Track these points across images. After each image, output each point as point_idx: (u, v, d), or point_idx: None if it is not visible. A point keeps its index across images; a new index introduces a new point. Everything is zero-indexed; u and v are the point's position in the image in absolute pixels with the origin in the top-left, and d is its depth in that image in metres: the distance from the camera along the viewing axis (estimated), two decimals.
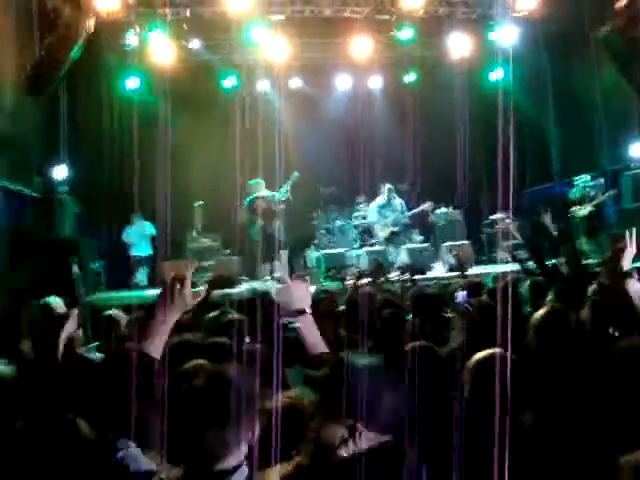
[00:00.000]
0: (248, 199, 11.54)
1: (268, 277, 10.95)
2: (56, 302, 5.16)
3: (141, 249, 12.29)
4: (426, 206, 12.37)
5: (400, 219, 12.05)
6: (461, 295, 4.66)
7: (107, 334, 5.08)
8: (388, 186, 12.09)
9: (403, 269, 9.89)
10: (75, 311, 3.45)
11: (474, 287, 5.35)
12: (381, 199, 12.12)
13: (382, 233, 12.04)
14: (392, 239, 11.92)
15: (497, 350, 2.55)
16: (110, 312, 5.48)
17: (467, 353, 2.66)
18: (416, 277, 8.46)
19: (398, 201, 12.18)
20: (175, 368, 2.99)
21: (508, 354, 2.47)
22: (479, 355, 2.56)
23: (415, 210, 12.34)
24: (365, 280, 7.49)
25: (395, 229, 11.99)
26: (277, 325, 3.09)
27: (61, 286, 8.60)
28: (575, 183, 11.41)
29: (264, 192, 11.53)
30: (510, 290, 4.61)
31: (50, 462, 1.92)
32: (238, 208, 12.10)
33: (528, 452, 2.20)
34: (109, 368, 3.00)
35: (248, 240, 11.51)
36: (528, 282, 5.04)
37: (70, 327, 3.19)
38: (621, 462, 1.69)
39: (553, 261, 6.25)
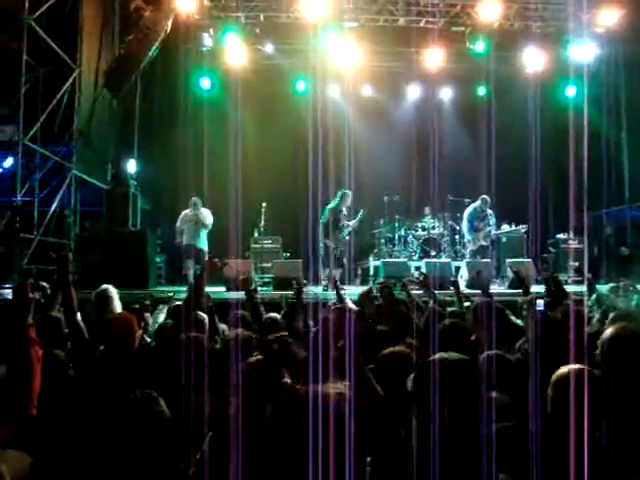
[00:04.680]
0: (332, 205, 11.21)
1: (325, 282, 10.92)
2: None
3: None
4: (521, 228, 12.12)
5: (492, 233, 11.75)
6: (541, 304, 4.64)
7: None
8: (483, 197, 11.70)
9: (465, 283, 9.80)
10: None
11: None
12: (471, 209, 11.79)
13: (471, 245, 11.74)
14: (480, 252, 11.60)
15: (578, 366, 2.55)
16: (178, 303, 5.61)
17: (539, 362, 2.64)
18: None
19: (490, 213, 11.78)
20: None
21: (586, 370, 2.47)
22: (561, 371, 2.56)
23: (509, 230, 12.08)
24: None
25: (485, 243, 11.67)
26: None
27: (127, 275, 8.88)
28: None
29: (347, 203, 11.16)
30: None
31: (132, 437, 1.95)
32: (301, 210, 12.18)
33: (606, 466, 2.17)
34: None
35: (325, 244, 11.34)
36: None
37: None
38: None
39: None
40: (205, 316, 4.38)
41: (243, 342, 3.27)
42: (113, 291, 5.07)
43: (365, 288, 5.81)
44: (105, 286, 5.12)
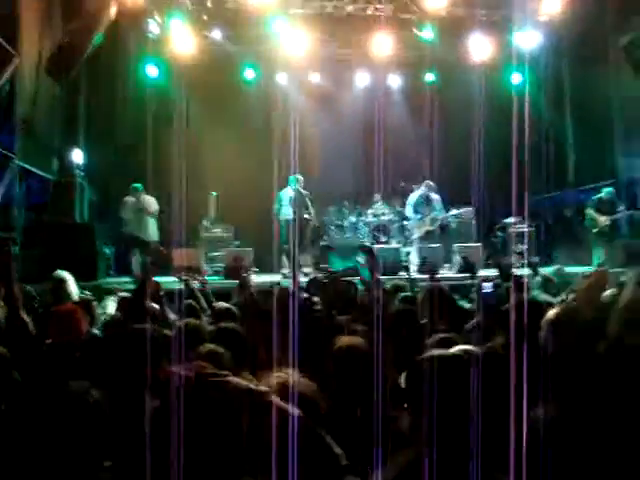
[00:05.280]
0: (294, 188, 11.30)
1: (286, 270, 10.88)
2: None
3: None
4: (467, 210, 12.25)
5: (438, 218, 11.84)
6: (488, 286, 4.74)
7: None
8: (427, 182, 11.84)
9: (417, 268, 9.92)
10: None
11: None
12: (416, 195, 11.90)
13: (417, 231, 11.79)
14: (427, 238, 11.67)
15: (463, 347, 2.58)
16: (123, 294, 5.56)
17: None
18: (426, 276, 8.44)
19: (436, 198, 11.88)
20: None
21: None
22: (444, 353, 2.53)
23: (455, 212, 12.21)
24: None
25: (431, 228, 11.73)
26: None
27: (74, 267, 8.71)
28: (601, 190, 11.17)
29: (300, 188, 11.40)
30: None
31: (66, 428, 1.92)
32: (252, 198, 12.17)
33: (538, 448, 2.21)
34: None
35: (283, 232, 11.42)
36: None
37: None
38: None
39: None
40: (156, 306, 4.34)
41: (192, 331, 3.26)
42: (68, 277, 5.01)
43: (312, 276, 5.85)
44: (58, 272, 5.06)
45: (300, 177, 11.40)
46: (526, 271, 9.17)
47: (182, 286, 5.19)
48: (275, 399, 2.06)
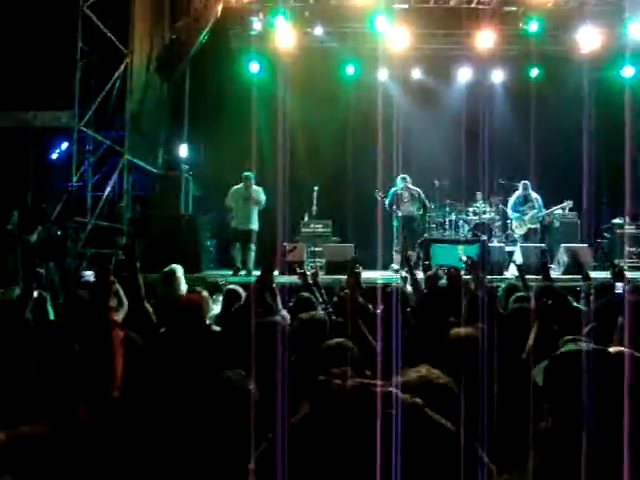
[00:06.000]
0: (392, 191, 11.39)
1: (396, 267, 10.83)
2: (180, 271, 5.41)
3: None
4: (566, 204, 11.91)
5: (538, 216, 11.60)
6: (620, 286, 4.53)
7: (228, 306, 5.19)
8: (523, 182, 11.66)
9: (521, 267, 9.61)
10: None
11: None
12: (515, 196, 11.71)
13: (518, 230, 11.65)
14: (529, 237, 11.50)
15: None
16: (231, 287, 5.64)
17: None
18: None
19: (534, 196, 11.65)
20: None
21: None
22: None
23: (555, 208, 11.88)
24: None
25: (533, 226, 11.55)
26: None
27: (177, 259, 8.95)
28: None
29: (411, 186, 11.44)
30: None
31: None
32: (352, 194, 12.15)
33: None
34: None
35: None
36: None
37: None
38: None
39: None
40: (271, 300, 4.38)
41: (318, 324, 3.24)
42: (180, 271, 5.15)
43: (431, 271, 5.72)
44: (172, 265, 5.21)
45: (408, 177, 11.43)
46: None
47: (299, 280, 5.21)
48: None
